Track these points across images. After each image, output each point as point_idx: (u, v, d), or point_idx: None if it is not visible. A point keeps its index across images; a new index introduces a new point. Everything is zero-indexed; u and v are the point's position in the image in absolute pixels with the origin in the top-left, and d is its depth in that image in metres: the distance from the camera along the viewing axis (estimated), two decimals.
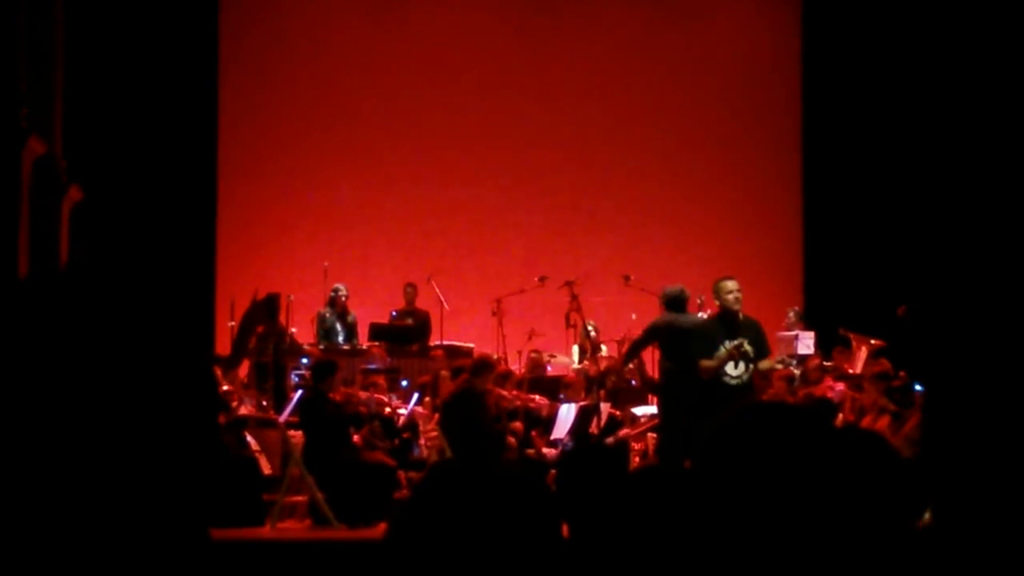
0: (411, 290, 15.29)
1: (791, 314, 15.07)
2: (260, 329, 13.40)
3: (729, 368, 9.85)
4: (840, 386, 12.61)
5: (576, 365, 14.12)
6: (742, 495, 2.37)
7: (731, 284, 10.12)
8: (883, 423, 11.41)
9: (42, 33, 12.08)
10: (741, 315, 10.07)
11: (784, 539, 2.36)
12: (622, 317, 14.63)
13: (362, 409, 11.71)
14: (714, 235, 17.42)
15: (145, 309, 2.27)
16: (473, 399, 11.29)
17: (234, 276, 15.41)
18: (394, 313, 15.27)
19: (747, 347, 9.82)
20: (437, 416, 11.91)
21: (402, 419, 12.11)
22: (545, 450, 12.06)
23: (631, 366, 12.97)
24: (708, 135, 17.63)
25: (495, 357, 13.64)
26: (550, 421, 12.34)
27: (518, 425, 12.05)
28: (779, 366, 10.19)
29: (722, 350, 9.83)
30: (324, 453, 10.66)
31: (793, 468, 2.39)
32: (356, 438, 11.26)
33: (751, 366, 9.89)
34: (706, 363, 9.93)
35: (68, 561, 2.08)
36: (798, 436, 2.41)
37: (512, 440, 11.79)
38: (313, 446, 10.75)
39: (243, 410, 12.12)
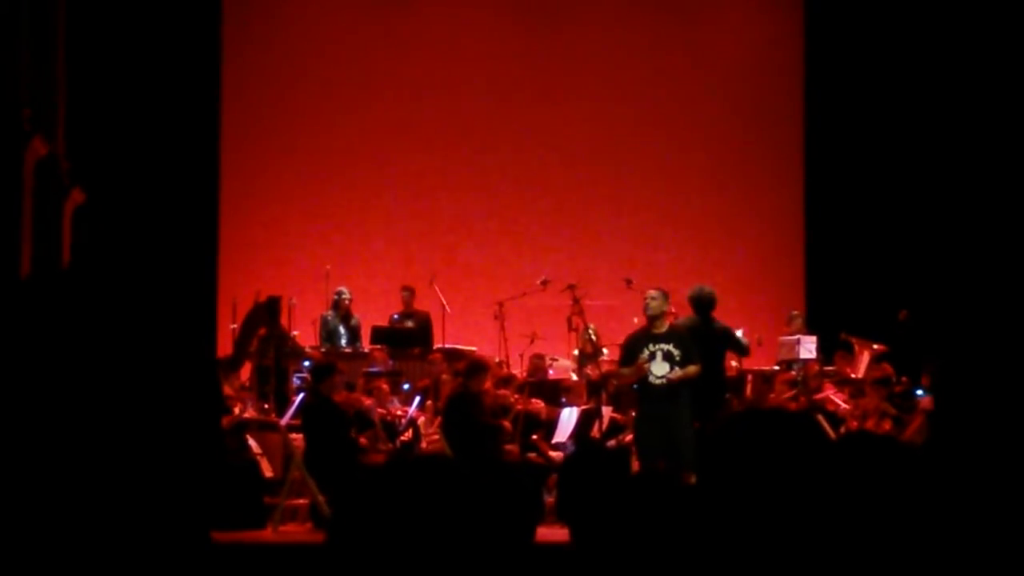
0: (408, 294, 15.27)
1: (796, 319, 15.05)
2: (261, 332, 13.40)
3: (655, 368, 10.63)
4: (840, 399, 12.61)
5: (574, 376, 14.06)
6: (741, 499, 2.37)
7: (648, 292, 11.06)
8: (885, 428, 11.42)
9: (45, 34, 12.09)
10: (666, 324, 10.89)
11: (784, 542, 2.35)
12: (624, 321, 14.59)
13: (350, 409, 11.68)
14: (716, 238, 17.41)
15: (147, 311, 2.27)
16: (469, 401, 11.29)
17: (236, 279, 15.41)
18: (395, 316, 15.26)
19: (674, 351, 10.64)
20: (439, 419, 11.90)
21: (403, 422, 12.11)
22: (552, 453, 12.03)
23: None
24: (710, 138, 17.62)
25: (496, 360, 13.62)
26: (550, 425, 12.32)
27: (506, 423, 11.99)
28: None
29: (642, 357, 10.67)
30: (325, 456, 10.65)
31: (789, 472, 2.38)
32: (362, 440, 11.26)
33: (675, 368, 10.61)
34: (624, 370, 10.96)
35: (70, 562, 2.07)
36: (793, 441, 2.40)
37: (509, 427, 11.78)
38: (314, 449, 10.74)
39: (245, 413, 12.12)
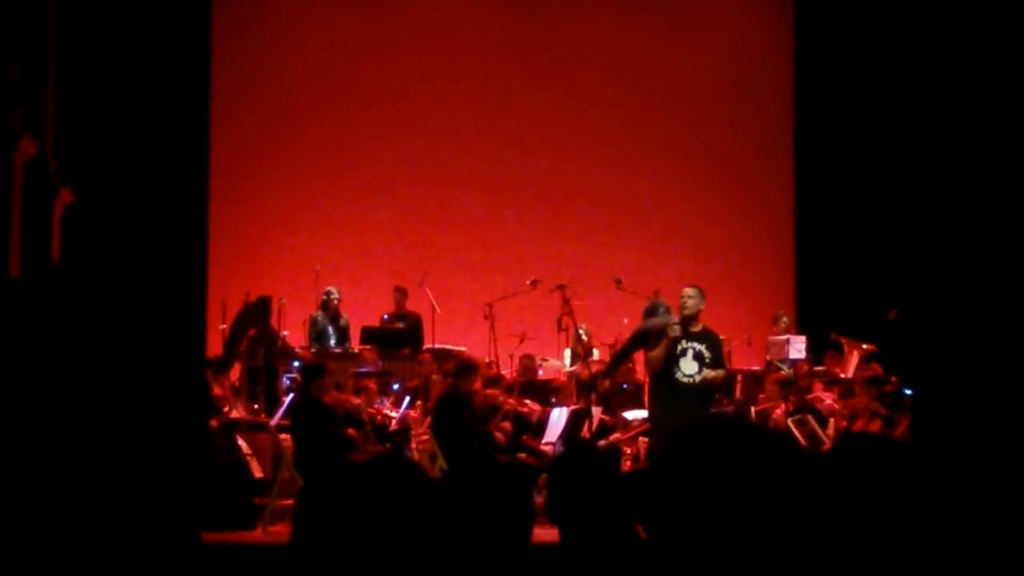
0: (400, 294, 15.28)
1: (782, 319, 15.08)
2: (251, 332, 13.40)
3: (684, 366, 10.23)
4: (829, 398, 12.63)
5: (567, 368, 14.11)
6: (701, 500, 2.37)
7: (685, 290, 10.60)
8: (875, 428, 11.44)
9: (35, 34, 12.06)
10: (700, 324, 10.42)
11: (771, 543, 2.36)
12: (614, 321, 14.63)
13: (340, 410, 11.65)
14: (707, 239, 17.44)
15: (137, 312, 2.27)
16: (458, 401, 11.28)
17: (225, 279, 15.37)
18: (385, 317, 15.26)
19: (705, 352, 10.26)
20: (428, 420, 11.90)
21: (394, 423, 12.11)
22: (543, 447, 12.00)
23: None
24: (701, 139, 17.65)
25: (486, 360, 13.63)
26: (540, 425, 12.32)
27: (507, 425, 12.01)
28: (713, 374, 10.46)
29: (672, 328, 10.23)
30: (314, 456, 10.64)
31: (754, 481, 2.37)
32: (351, 431, 11.23)
33: (704, 369, 10.25)
34: (652, 354, 10.38)
35: (58, 563, 2.08)
36: (754, 452, 2.39)
37: (501, 436, 11.75)
38: (303, 450, 10.74)
39: (234, 413, 12.11)
